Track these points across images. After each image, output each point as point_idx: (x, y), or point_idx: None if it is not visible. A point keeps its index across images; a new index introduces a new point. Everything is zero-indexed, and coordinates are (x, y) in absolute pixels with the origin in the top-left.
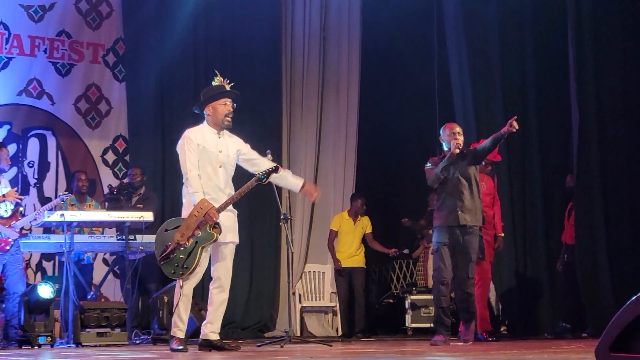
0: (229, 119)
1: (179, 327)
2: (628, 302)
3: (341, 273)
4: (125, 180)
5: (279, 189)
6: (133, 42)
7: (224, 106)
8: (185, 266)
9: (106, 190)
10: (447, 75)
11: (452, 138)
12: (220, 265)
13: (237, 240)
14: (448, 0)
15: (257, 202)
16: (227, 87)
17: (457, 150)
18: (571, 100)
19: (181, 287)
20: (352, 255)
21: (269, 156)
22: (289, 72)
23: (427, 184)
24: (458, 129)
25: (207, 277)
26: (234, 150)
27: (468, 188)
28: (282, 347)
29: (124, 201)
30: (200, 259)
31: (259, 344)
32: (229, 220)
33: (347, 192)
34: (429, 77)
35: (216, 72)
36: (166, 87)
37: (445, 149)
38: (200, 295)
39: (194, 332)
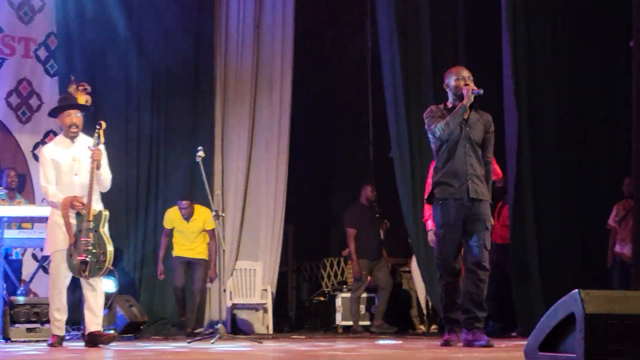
0: (74, 130)
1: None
2: (557, 303)
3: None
4: None
5: (211, 186)
6: (65, 36)
7: (68, 117)
8: (103, 252)
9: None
10: (381, 75)
11: (461, 83)
12: None
13: None
14: None
15: (190, 199)
16: (79, 95)
17: (472, 98)
18: (504, 100)
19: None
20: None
21: (201, 153)
22: (222, 68)
23: (436, 139)
24: (467, 73)
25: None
26: (85, 149)
27: (475, 153)
28: (212, 343)
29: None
30: (107, 237)
31: (189, 341)
32: None
33: (280, 188)
34: (362, 73)
35: (71, 77)
36: (98, 83)
37: (452, 98)
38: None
39: (126, 327)
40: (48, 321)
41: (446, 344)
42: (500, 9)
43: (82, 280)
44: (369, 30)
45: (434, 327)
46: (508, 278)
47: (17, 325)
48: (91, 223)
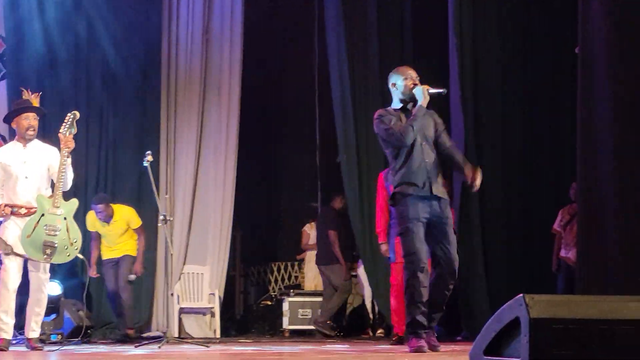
0: (30, 132)
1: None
2: (501, 308)
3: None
4: None
5: (159, 190)
6: (14, 40)
7: (26, 120)
8: (74, 241)
9: None
10: (328, 80)
11: (410, 83)
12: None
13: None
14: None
15: (136, 203)
16: (35, 102)
17: (428, 98)
18: (451, 104)
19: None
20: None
21: (149, 157)
22: (171, 74)
23: (394, 144)
24: (414, 73)
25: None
26: (45, 160)
27: (431, 151)
28: (159, 347)
29: None
30: (75, 227)
31: (136, 345)
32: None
33: (228, 192)
34: (310, 78)
35: (22, 89)
36: (46, 87)
37: (399, 99)
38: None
39: (73, 331)
40: None
41: (419, 350)
42: (447, 14)
43: (33, 284)
44: (317, 35)
45: (380, 331)
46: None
47: None
48: (58, 210)
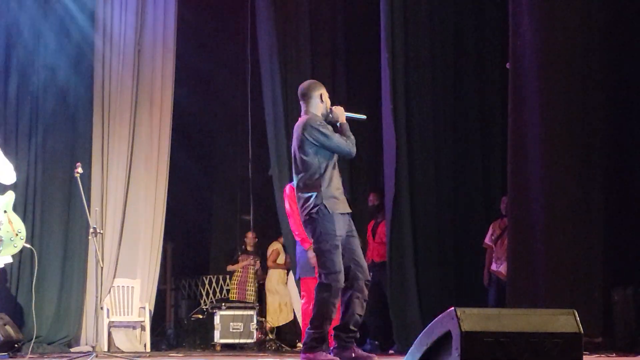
0: None
1: None
2: (434, 321)
3: None
4: None
5: (89, 202)
6: None
7: None
8: (18, 231)
9: None
10: (261, 94)
11: (327, 100)
12: None
13: None
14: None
15: (67, 215)
16: None
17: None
18: (383, 118)
19: None
20: None
21: (79, 169)
22: (105, 84)
23: (339, 154)
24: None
25: None
26: None
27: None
28: None
29: None
30: (17, 220)
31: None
32: None
33: (159, 205)
34: (242, 91)
35: None
36: None
37: (321, 112)
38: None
39: (1, 345)
40: None
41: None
42: (379, 27)
43: None
44: (249, 47)
45: None
46: (385, 296)
47: None
48: None
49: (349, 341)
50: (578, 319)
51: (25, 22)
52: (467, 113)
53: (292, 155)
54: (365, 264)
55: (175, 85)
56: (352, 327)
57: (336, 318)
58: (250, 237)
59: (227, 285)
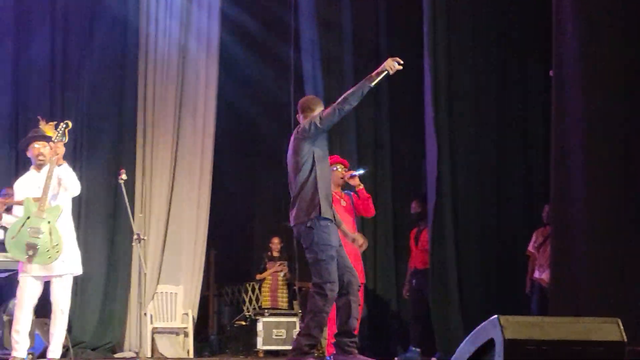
0: (40, 159)
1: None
2: (476, 328)
3: None
4: None
5: (133, 209)
6: None
7: (35, 149)
8: (55, 244)
9: None
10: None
11: None
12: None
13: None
14: (304, 18)
15: (112, 221)
16: (48, 130)
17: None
18: (425, 126)
19: None
20: None
21: (123, 175)
22: (148, 91)
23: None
24: None
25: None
26: (56, 180)
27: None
28: None
29: None
30: (60, 233)
31: None
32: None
33: (202, 212)
34: (285, 99)
35: (38, 118)
36: (22, 102)
37: None
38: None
39: (45, 351)
40: None
41: None
42: (422, 35)
43: (53, 304)
44: (292, 56)
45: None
46: (427, 303)
47: None
48: (44, 213)
49: (352, 346)
50: (622, 327)
51: (72, 27)
52: (509, 120)
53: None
54: (354, 270)
55: (218, 90)
56: (353, 332)
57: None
58: (275, 243)
59: (263, 292)
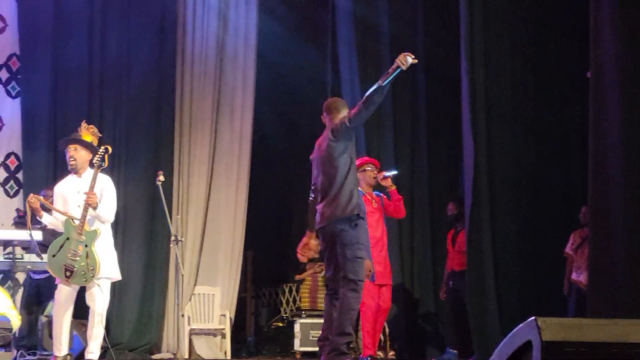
0: (71, 162)
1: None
2: (514, 330)
3: None
4: None
5: (170, 211)
6: (28, 58)
7: (68, 152)
8: (91, 268)
9: (11, 214)
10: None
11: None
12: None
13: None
14: (341, 18)
15: (150, 223)
16: (85, 134)
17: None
18: (463, 130)
19: None
20: None
21: (161, 177)
22: (185, 93)
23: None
24: None
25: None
26: (97, 189)
27: None
28: None
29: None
30: (97, 254)
31: None
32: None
33: (239, 213)
34: (322, 100)
35: (82, 120)
36: (60, 105)
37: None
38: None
39: (83, 353)
40: (2, 345)
41: None
42: (459, 36)
43: (90, 306)
44: (329, 55)
45: (392, 353)
46: (464, 304)
47: None
48: (82, 237)
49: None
50: None
51: (109, 29)
52: (547, 122)
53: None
54: None
55: (256, 91)
56: None
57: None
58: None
59: (303, 293)
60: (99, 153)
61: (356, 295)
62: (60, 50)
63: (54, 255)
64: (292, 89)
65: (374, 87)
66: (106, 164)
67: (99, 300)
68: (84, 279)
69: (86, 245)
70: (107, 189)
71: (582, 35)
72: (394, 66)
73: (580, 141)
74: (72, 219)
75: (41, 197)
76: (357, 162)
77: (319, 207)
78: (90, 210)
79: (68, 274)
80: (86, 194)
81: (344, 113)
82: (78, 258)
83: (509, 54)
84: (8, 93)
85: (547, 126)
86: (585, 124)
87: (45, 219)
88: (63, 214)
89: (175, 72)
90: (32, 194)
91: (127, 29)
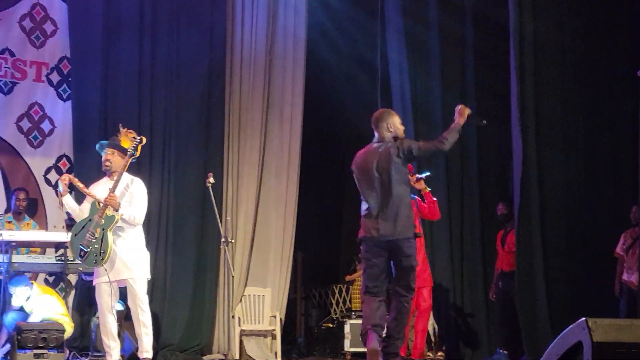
0: (107, 165)
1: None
2: (564, 331)
3: None
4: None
5: (220, 212)
6: (79, 61)
7: (104, 155)
8: (102, 251)
9: (62, 216)
10: (390, 102)
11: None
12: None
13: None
14: (390, 19)
15: (201, 225)
16: (124, 139)
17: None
18: (512, 128)
19: None
20: None
21: (211, 179)
22: (234, 94)
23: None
24: None
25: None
26: (129, 191)
27: None
28: None
29: None
30: (111, 241)
31: None
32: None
33: (289, 214)
34: (372, 100)
35: (120, 125)
36: (110, 108)
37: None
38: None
39: (134, 354)
40: (55, 347)
41: None
42: (508, 33)
43: (130, 307)
44: (379, 57)
45: (440, 354)
46: (514, 305)
47: (25, 350)
48: (102, 220)
49: None
50: None
51: (159, 35)
52: (597, 121)
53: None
54: None
55: (305, 92)
56: None
57: None
58: None
59: (353, 293)
60: (132, 144)
61: (410, 303)
62: (110, 52)
63: (75, 235)
64: (342, 88)
65: (452, 132)
66: (138, 153)
67: (135, 301)
68: (94, 262)
69: (103, 229)
70: (138, 192)
71: (633, 32)
72: (466, 114)
73: (630, 139)
74: (98, 202)
75: (73, 177)
76: None
77: (374, 218)
78: (120, 214)
79: (82, 254)
80: (107, 197)
81: (388, 121)
82: (94, 240)
83: (559, 52)
84: (59, 96)
85: (598, 124)
86: (636, 122)
87: (67, 200)
88: (91, 196)
89: (225, 73)
90: (65, 173)
91: (177, 30)
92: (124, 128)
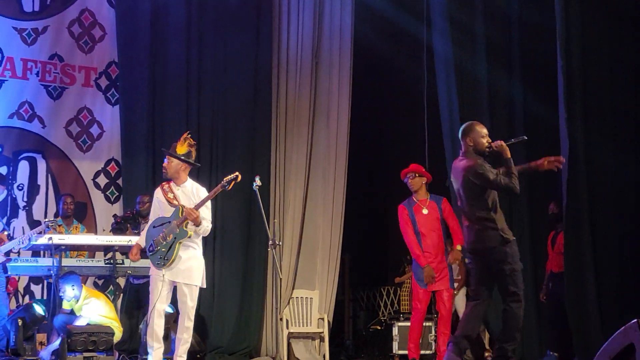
0: (163, 171)
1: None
2: (615, 333)
3: None
4: (128, 210)
5: (268, 215)
6: (127, 65)
7: (164, 163)
8: (166, 258)
9: (111, 220)
10: (436, 102)
11: (485, 142)
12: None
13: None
14: (436, 26)
15: (248, 228)
16: (180, 145)
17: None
18: (560, 128)
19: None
20: None
21: (258, 181)
22: (281, 97)
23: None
24: (486, 130)
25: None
26: (192, 199)
27: None
28: None
29: (130, 230)
30: (178, 252)
31: None
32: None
33: (336, 217)
34: (418, 102)
35: (186, 133)
36: (158, 111)
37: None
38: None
39: None
40: (105, 350)
41: None
42: (555, 36)
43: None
44: (425, 60)
45: (487, 354)
46: (564, 306)
47: (74, 353)
48: (178, 230)
49: None
50: None
51: (206, 38)
52: None
53: (457, 191)
54: None
55: (352, 95)
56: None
57: None
58: None
59: (402, 296)
60: (228, 177)
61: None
62: (157, 57)
63: (154, 227)
64: (389, 92)
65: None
66: (230, 187)
67: (184, 305)
68: (157, 262)
69: (175, 238)
70: (206, 205)
71: None
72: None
73: None
74: (182, 210)
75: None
76: (403, 171)
77: (464, 226)
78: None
79: (151, 248)
80: (188, 211)
81: (470, 135)
82: (164, 243)
83: (606, 50)
84: (108, 100)
85: None
86: None
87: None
88: (177, 205)
89: (271, 77)
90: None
91: (224, 33)
92: (189, 134)
